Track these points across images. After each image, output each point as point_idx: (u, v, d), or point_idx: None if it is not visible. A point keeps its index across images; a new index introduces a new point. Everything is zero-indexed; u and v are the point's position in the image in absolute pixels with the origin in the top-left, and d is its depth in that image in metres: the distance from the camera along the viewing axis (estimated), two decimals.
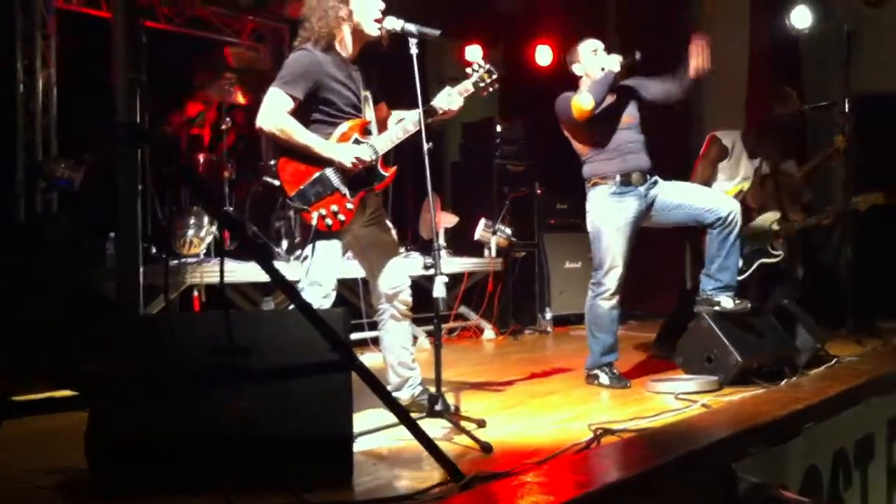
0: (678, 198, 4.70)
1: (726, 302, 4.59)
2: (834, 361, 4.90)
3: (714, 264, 4.64)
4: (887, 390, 4.27)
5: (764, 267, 5.61)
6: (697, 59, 4.51)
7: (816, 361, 4.86)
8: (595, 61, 4.72)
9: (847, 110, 6.50)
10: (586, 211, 4.76)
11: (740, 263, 5.18)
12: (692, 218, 4.70)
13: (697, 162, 5.49)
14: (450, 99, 3.84)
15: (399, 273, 3.89)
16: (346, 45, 3.77)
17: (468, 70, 3.93)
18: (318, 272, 3.64)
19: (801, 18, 7.83)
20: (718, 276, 4.63)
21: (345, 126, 3.71)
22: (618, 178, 4.61)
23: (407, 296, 3.90)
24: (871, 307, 6.49)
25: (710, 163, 5.45)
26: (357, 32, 3.76)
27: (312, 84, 3.64)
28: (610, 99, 4.64)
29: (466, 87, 3.88)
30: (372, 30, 3.75)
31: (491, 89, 3.93)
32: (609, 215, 4.62)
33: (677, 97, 4.82)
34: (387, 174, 3.82)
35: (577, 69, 4.79)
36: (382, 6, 3.77)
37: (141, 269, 4.87)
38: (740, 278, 5.25)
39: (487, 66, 3.91)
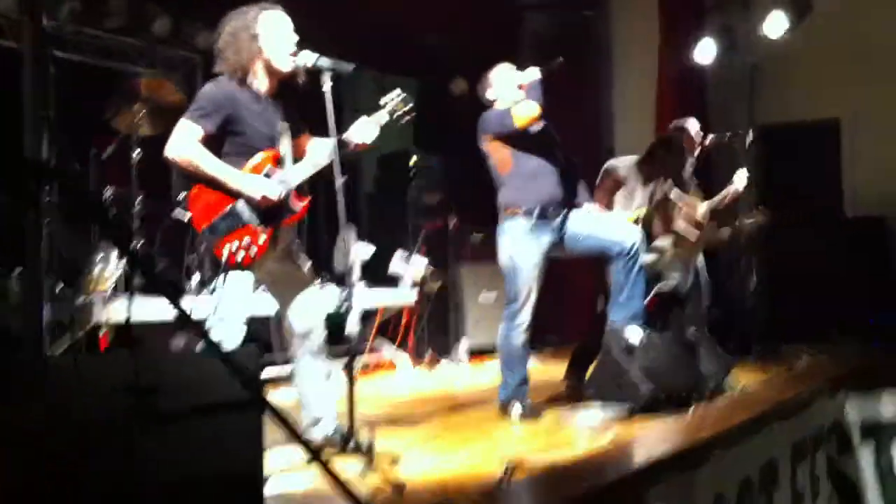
0: (586, 228, 4.77)
1: (634, 332, 4.67)
2: (740, 388, 5.03)
3: (622, 295, 4.72)
4: (790, 415, 4.39)
5: (664, 294, 5.71)
6: None
7: (723, 389, 4.98)
8: (510, 80, 4.77)
9: (750, 140, 6.72)
10: (498, 242, 4.79)
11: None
12: (598, 249, 4.78)
13: (595, 192, 5.57)
14: (364, 129, 3.85)
15: (312, 313, 3.85)
16: (260, 80, 3.76)
17: (381, 100, 3.95)
18: (228, 308, 3.60)
19: (706, 51, 8.09)
20: (626, 305, 4.72)
21: (257, 158, 3.68)
22: (536, 210, 4.63)
23: (321, 332, 3.86)
24: (777, 332, 6.69)
25: (607, 192, 5.53)
26: (269, 68, 3.75)
27: (224, 116, 3.61)
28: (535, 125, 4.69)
29: (380, 116, 3.90)
30: (285, 66, 3.74)
31: (407, 117, 3.96)
32: (526, 250, 4.66)
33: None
34: (298, 208, 3.78)
35: (490, 94, 4.84)
36: (295, 39, 3.77)
37: (46, 307, 4.74)
38: None
39: (402, 95, 3.94)
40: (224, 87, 3.68)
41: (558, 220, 4.71)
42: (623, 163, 5.63)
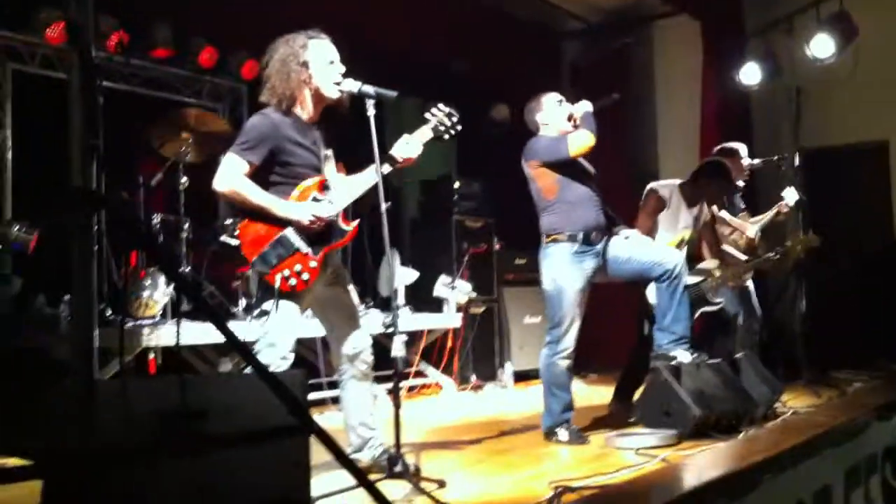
0: (626, 252, 4.77)
1: (682, 355, 4.63)
2: (790, 413, 4.95)
3: (666, 318, 4.69)
4: (843, 441, 4.31)
5: (710, 317, 5.65)
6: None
7: (773, 413, 4.90)
8: (560, 111, 4.80)
9: (797, 164, 6.65)
10: (542, 267, 4.79)
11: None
12: (640, 272, 4.77)
13: (640, 215, 5.54)
14: (408, 146, 3.88)
15: (360, 334, 3.87)
16: (306, 107, 3.81)
17: (427, 115, 3.97)
18: (276, 333, 3.62)
19: (750, 75, 8.05)
20: (672, 328, 4.68)
21: (304, 185, 3.73)
22: (580, 236, 4.65)
23: (368, 356, 3.88)
24: (826, 359, 6.58)
25: (649, 215, 5.50)
26: (317, 95, 3.80)
27: (270, 148, 3.67)
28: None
29: (424, 132, 3.93)
30: (332, 93, 3.80)
31: (453, 132, 3.98)
32: (570, 275, 4.65)
33: None
34: (349, 228, 3.82)
35: (540, 118, 4.86)
36: (342, 69, 3.82)
37: (96, 333, 4.80)
38: None
39: (448, 109, 3.96)
40: (270, 118, 3.73)
41: (601, 245, 4.70)
42: (666, 185, 5.60)
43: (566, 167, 4.69)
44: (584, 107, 4.69)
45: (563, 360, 4.66)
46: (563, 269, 4.67)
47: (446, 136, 3.98)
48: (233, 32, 7.05)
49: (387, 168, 3.80)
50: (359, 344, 3.85)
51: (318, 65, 3.77)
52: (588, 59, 9.55)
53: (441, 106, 3.97)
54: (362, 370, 3.86)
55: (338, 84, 3.79)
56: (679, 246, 5.54)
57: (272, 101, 3.77)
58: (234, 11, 6.76)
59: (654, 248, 4.87)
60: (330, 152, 3.88)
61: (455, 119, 3.96)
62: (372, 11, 7.14)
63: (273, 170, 3.71)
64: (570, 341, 4.65)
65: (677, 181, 5.63)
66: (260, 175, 3.68)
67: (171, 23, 6.77)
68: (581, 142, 4.58)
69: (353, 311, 3.91)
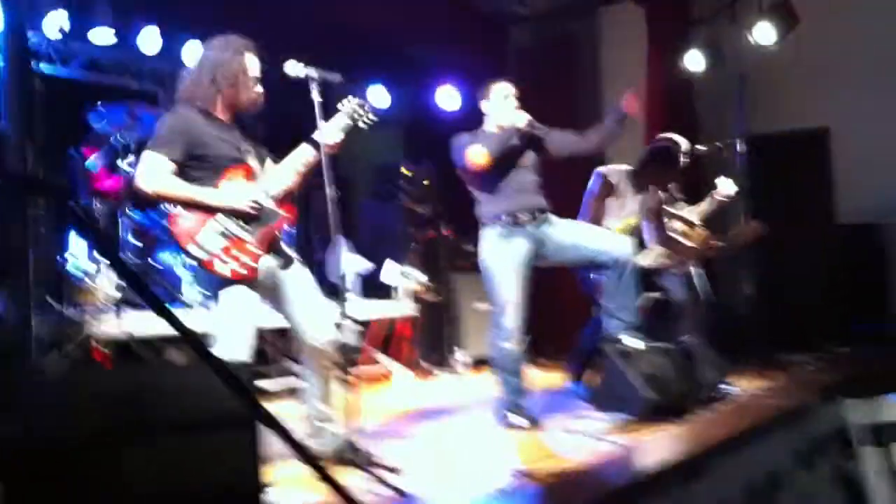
0: (572, 237, 4.77)
1: (631, 340, 4.65)
2: (740, 395, 5.00)
3: (614, 303, 4.71)
4: (793, 422, 4.36)
5: (657, 303, 5.68)
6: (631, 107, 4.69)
7: (723, 396, 4.95)
8: (503, 106, 4.77)
9: (741, 150, 6.72)
10: (479, 252, 4.80)
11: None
12: (586, 258, 4.78)
13: (587, 201, 5.55)
14: (328, 132, 3.83)
15: (323, 325, 3.78)
16: (221, 111, 3.76)
17: (339, 104, 3.93)
18: (229, 325, 3.54)
19: (694, 62, 8.11)
20: (619, 314, 4.72)
21: (229, 174, 3.66)
22: (504, 217, 4.67)
23: (332, 351, 3.79)
24: (773, 341, 6.67)
25: (598, 199, 5.52)
26: (232, 104, 3.76)
27: (187, 143, 3.59)
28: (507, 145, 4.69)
29: (340, 119, 3.89)
30: (249, 106, 3.78)
31: (367, 120, 3.95)
32: (498, 256, 4.67)
33: (586, 152, 4.91)
34: (282, 212, 3.75)
35: (484, 106, 4.86)
36: (259, 80, 3.78)
37: (34, 320, 4.67)
38: None
39: (357, 100, 3.94)
40: (182, 115, 3.67)
41: (533, 226, 4.70)
42: (614, 170, 5.61)
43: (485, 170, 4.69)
44: (519, 118, 4.65)
45: (506, 342, 4.63)
46: (492, 251, 4.70)
47: (361, 125, 3.95)
48: (175, 14, 6.91)
49: (312, 153, 3.76)
50: (323, 335, 3.76)
51: (242, 78, 3.73)
52: (534, 44, 9.55)
53: (350, 98, 3.95)
54: (324, 364, 3.78)
55: (256, 101, 3.77)
56: (625, 231, 5.56)
57: (187, 97, 3.71)
58: None
59: (601, 235, 4.88)
60: (250, 147, 3.81)
61: (366, 107, 3.94)
62: None
63: (193, 164, 3.62)
64: (511, 323, 4.63)
65: (625, 167, 5.64)
66: (182, 171, 3.60)
67: (112, 4, 6.60)
68: (475, 157, 4.61)
69: (312, 301, 3.82)
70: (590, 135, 4.87)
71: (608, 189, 5.52)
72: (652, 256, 5.66)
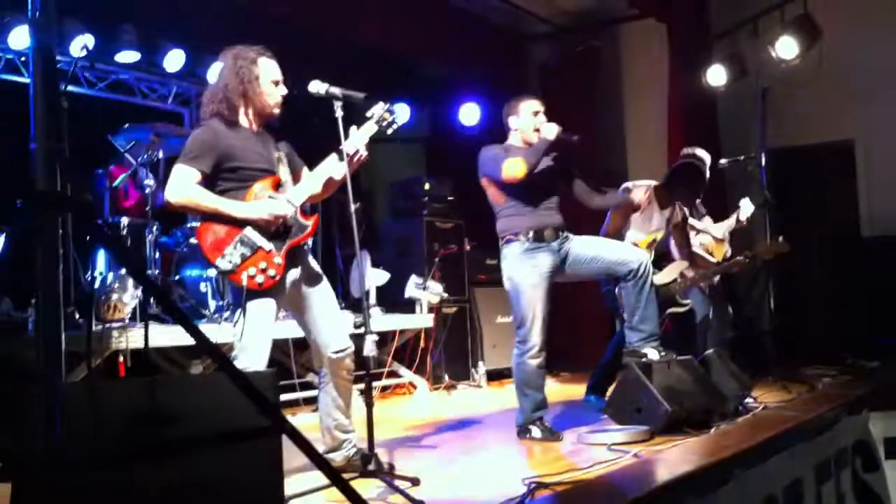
0: (591, 251, 4.79)
1: (652, 353, 4.66)
2: (761, 408, 4.99)
3: (635, 316, 4.72)
4: (814, 435, 4.34)
5: (679, 317, 5.67)
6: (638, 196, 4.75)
7: (744, 409, 4.94)
8: (532, 121, 4.82)
9: (763, 164, 6.72)
10: (501, 268, 4.82)
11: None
12: (605, 271, 4.80)
13: (610, 213, 5.57)
14: (357, 138, 3.86)
15: (341, 336, 3.83)
16: (249, 120, 3.83)
17: (367, 112, 3.97)
18: (252, 335, 3.60)
19: (717, 76, 8.12)
20: (641, 327, 4.71)
21: (257, 186, 3.73)
22: (530, 234, 4.69)
23: (350, 362, 3.85)
24: (795, 355, 6.64)
25: (623, 214, 5.53)
26: (258, 111, 3.83)
27: (216, 156, 3.66)
28: (542, 163, 4.72)
29: (368, 126, 3.92)
30: (273, 111, 3.84)
31: (394, 126, 3.99)
32: (524, 272, 4.68)
33: (585, 205, 4.99)
34: (308, 223, 3.80)
35: (512, 122, 4.89)
36: (285, 91, 3.85)
37: (63, 336, 4.74)
38: None
39: (386, 106, 3.97)
40: (212, 128, 3.73)
41: (557, 242, 4.73)
42: (641, 185, 5.62)
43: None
44: (549, 130, 4.68)
45: (531, 358, 4.65)
46: (516, 267, 4.71)
47: (388, 131, 3.99)
48: (199, 36, 7.01)
49: (343, 166, 3.80)
50: (342, 348, 3.81)
51: (265, 82, 3.80)
52: (557, 62, 9.60)
53: (380, 104, 3.98)
54: (343, 376, 3.83)
55: (278, 104, 3.83)
56: (650, 246, 5.58)
57: (215, 111, 3.77)
58: (202, 14, 6.71)
59: (619, 247, 4.89)
60: (282, 154, 3.89)
61: (394, 114, 3.98)
62: (342, 12, 7.13)
63: (222, 176, 3.70)
64: (536, 339, 4.65)
65: (652, 182, 5.66)
66: (211, 183, 3.67)
67: (138, 26, 6.71)
68: (513, 169, 4.61)
69: (332, 312, 3.88)
70: (596, 197, 4.98)
71: (633, 204, 5.53)
72: (676, 271, 5.67)
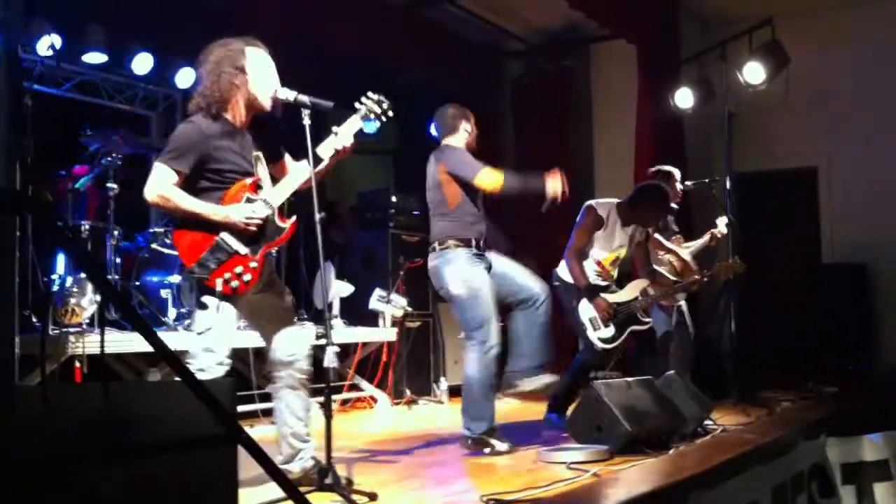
0: (502, 267, 4.89)
1: (527, 384, 4.73)
2: (720, 430, 5.01)
3: (522, 345, 4.80)
4: (771, 458, 4.36)
5: (641, 337, 5.70)
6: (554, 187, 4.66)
7: (703, 430, 4.96)
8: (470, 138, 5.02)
9: (728, 187, 6.78)
10: (443, 274, 4.80)
11: (611, 331, 5.40)
12: (507, 290, 4.85)
13: (577, 230, 5.60)
14: (337, 139, 3.82)
15: (296, 341, 3.80)
16: (238, 113, 3.75)
17: (356, 104, 3.94)
18: (216, 338, 3.57)
19: (684, 99, 8.18)
20: (522, 358, 4.79)
21: (235, 187, 3.67)
22: (473, 242, 4.79)
23: (304, 364, 3.79)
24: (755, 378, 6.69)
25: (587, 231, 5.56)
26: (249, 102, 3.75)
27: (199, 156, 3.60)
28: None
29: (354, 121, 3.89)
30: (265, 102, 3.76)
31: (384, 118, 3.97)
32: (478, 274, 4.73)
33: None
34: (285, 226, 3.75)
35: (464, 126, 5.02)
36: (277, 80, 3.79)
37: (17, 339, 4.66)
38: (613, 345, 5.49)
39: (377, 97, 3.95)
40: (197, 125, 3.66)
41: (486, 253, 4.86)
42: (604, 203, 5.65)
43: (470, 185, 4.78)
44: (554, 186, 4.65)
45: (493, 356, 4.66)
46: (471, 270, 4.74)
47: (378, 122, 3.97)
48: (168, 39, 6.95)
49: (321, 165, 3.77)
50: (294, 350, 3.76)
51: (254, 72, 3.73)
52: (528, 79, 9.66)
53: (370, 94, 3.96)
54: (297, 378, 3.77)
55: (272, 93, 3.75)
56: (613, 263, 5.60)
57: (202, 104, 3.69)
58: (172, 17, 6.66)
59: (527, 273, 4.96)
60: (260, 154, 3.84)
61: (385, 105, 3.95)
62: (318, 21, 7.11)
63: (203, 175, 3.64)
64: (495, 339, 4.67)
65: (615, 200, 5.68)
66: (190, 181, 3.62)
67: (106, 27, 6.64)
68: (490, 180, 4.70)
69: (288, 316, 3.84)
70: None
71: (598, 222, 5.56)
72: (637, 289, 5.68)
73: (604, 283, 5.61)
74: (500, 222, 5.90)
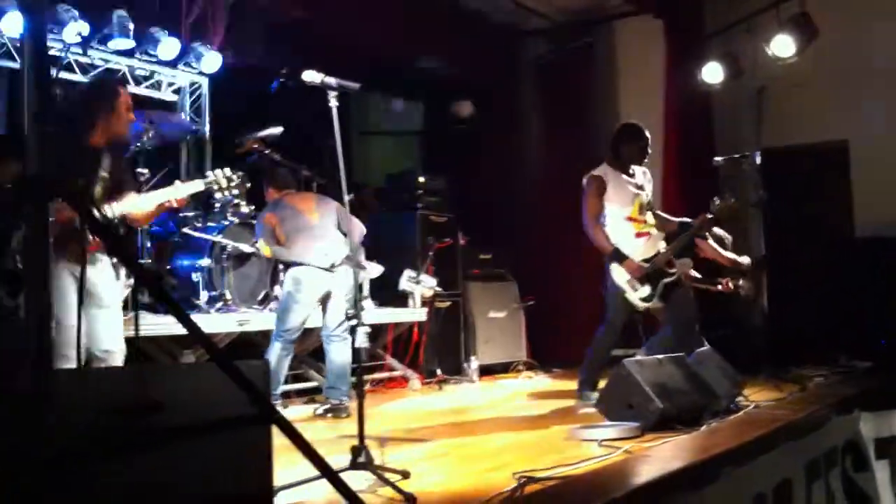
0: None
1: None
2: (752, 406, 4.99)
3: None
4: (804, 434, 4.34)
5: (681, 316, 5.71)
6: None
7: (735, 407, 4.94)
8: None
9: (758, 163, 6.72)
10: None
11: (648, 290, 5.53)
12: None
13: (586, 200, 5.69)
14: (174, 191, 4.02)
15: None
16: (96, 139, 4.11)
17: (208, 172, 4.15)
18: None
19: (712, 74, 8.10)
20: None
21: None
22: None
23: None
24: (787, 354, 6.64)
25: (595, 196, 5.67)
26: (108, 133, 4.10)
27: None
28: None
29: (196, 184, 4.08)
30: (124, 133, 4.16)
31: (226, 193, 4.12)
32: None
33: None
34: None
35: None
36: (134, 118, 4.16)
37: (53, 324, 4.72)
38: (651, 303, 5.59)
39: (229, 174, 4.09)
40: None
41: None
42: (597, 169, 5.75)
43: None
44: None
45: None
46: None
47: (219, 196, 4.27)
48: (194, 26, 6.98)
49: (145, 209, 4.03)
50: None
51: (120, 111, 4.05)
52: (552, 57, 9.59)
53: (226, 170, 4.10)
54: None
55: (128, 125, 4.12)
56: (641, 211, 5.70)
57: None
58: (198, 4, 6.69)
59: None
60: (106, 174, 4.07)
61: (233, 184, 4.08)
62: (336, 7, 7.10)
63: None
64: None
65: (603, 164, 5.77)
66: None
67: (131, 14, 6.66)
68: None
69: None
70: None
71: (602, 184, 5.68)
72: (654, 247, 5.73)
73: (655, 234, 5.78)
74: None
